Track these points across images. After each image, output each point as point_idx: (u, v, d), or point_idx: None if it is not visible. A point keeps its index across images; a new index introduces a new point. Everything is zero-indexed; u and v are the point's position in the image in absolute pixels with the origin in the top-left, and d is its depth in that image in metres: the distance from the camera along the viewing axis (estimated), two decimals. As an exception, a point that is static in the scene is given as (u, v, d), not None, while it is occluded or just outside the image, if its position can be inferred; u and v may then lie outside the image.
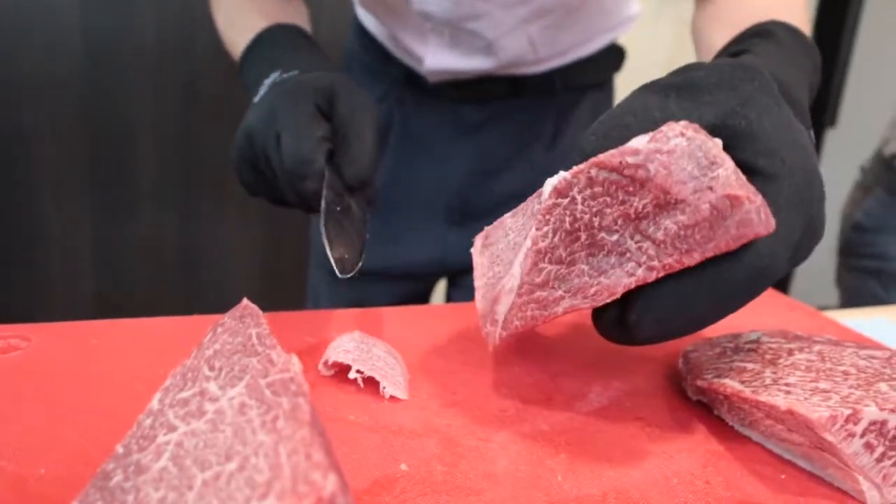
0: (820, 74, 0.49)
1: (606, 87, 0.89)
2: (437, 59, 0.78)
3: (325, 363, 0.45)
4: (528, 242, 0.38)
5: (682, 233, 0.34)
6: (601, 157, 0.35)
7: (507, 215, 0.43)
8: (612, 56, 0.87)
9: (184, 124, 1.78)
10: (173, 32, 1.71)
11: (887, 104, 2.55)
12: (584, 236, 0.37)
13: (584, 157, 0.37)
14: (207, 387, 0.31)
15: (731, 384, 0.41)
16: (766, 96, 0.38)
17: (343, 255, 0.49)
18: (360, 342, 0.46)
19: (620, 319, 0.38)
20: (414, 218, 0.85)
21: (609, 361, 0.50)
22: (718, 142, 0.35)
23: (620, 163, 0.35)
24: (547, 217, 0.37)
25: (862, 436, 0.36)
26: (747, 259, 0.35)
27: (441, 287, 0.98)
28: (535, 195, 0.40)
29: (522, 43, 0.76)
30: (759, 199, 0.33)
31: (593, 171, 0.35)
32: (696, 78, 0.39)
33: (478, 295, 0.43)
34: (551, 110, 0.83)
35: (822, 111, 2.50)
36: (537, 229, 0.38)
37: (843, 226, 1.38)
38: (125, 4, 1.66)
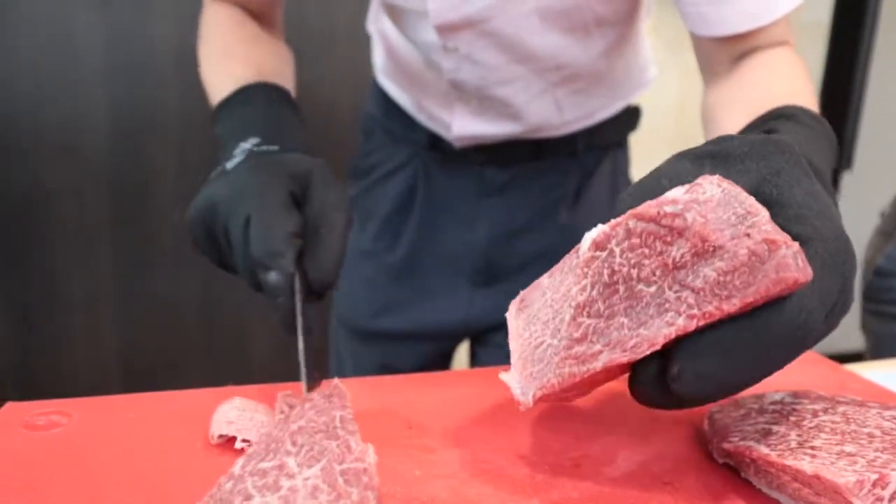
0: (837, 155, 0.50)
1: (624, 144, 0.91)
2: (464, 126, 0.80)
3: (212, 436, 0.46)
4: (568, 297, 0.39)
5: (721, 279, 0.35)
6: (639, 208, 0.36)
7: (544, 276, 0.43)
8: (631, 116, 0.89)
9: (203, 183, 1.81)
10: (194, 96, 1.75)
11: (902, 146, 2.55)
12: (622, 289, 0.37)
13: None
14: (287, 461, 0.32)
15: (756, 448, 0.42)
16: (797, 168, 0.39)
17: (315, 382, 0.49)
18: (241, 410, 0.47)
19: (659, 377, 0.38)
20: (439, 279, 0.87)
21: (636, 424, 0.51)
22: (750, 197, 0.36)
23: (658, 213, 0.36)
24: (585, 270, 0.38)
25: (890, 500, 0.36)
26: (787, 310, 0.35)
27: (464, 345, 0.99)
28: (572, 251, 0.41)
29: (549, 107, 0.79)
30: (795, 245, 0.34)
31: (631, 223, 0.36)
32: (730, 147, 0.40)
33: (513, 357, 0.43)
34: (574, 170, 0.85)
35: (838, 155, 2.51)
36: (576, 283, 0.38)
37: (865, 271, 1.38)
38: (148, 71, 1.71)
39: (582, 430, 0.50)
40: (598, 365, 0.38)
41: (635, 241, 0.36)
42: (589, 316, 0.38)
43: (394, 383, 0.57)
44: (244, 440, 0.45)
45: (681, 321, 0.36)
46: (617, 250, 0.37)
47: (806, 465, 0.39)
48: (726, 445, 0.44)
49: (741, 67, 0.64)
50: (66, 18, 1.64)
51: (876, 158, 2.59)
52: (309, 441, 0.33)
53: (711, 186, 0.36)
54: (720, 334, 0.36)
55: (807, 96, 0.58)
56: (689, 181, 0.38)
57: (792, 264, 0.34)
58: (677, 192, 0.36)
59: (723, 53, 0.66)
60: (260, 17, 0.78)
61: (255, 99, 0.63)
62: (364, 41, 0.96)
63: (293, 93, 0.69)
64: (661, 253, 0.36)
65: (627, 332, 0.37)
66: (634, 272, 0.37)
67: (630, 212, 0.37)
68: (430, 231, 0.86)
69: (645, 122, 0.93)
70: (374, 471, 0.30)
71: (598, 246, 0.37)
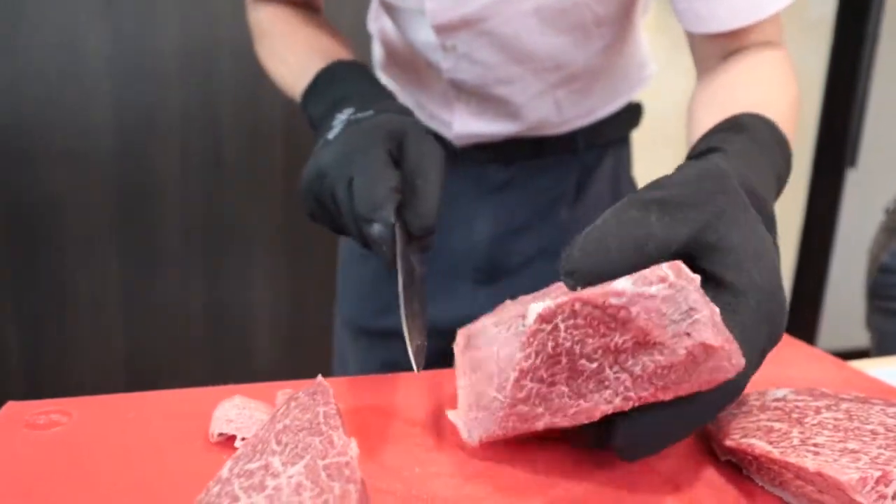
0: (790, 166, 0.53)
1: (625, 141, 0.90)
2: (464, 125, 0.80)
3: (212, 435, 0.46)
4: (512, 360, 0.40)
5: (658, 371, 0.37)
6: (586, 293, 0.37)
7: (489, 319, 0.47)
8: (632, 113, 0.89)
9: (208, 187, 1.82)
10: (198, 100, 1.76)
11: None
12: (564, 360, 0.39)
13: (567, 274, 0.39)
14: (272, 461, 0.32)
15: (759, 445, 0.42)
16: (736, 208, 0.41)
17: (420, 343, 0.50)
18: (241, 408, 0.47)
19: (597, 440, 0.41)
20: (441, 278, 0.87)
21: (637, 422, 0.51)
22: (696, 278, 0.37)
23: (604, 302, 0.37)
24: (531, 340, 0.39)
25: (893, 497, 0.36)
26: (723, 390, 0.39)
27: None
28: (518, 315, 0.43)
29: (549, 106, 0.79)
30: (732, 345, 0.36)
31: (577, 305, 0.37)
32: (674, 195, 0.41)
33: (460, 396, 0.46)
34: (574, 168, 0.85)
35: (842, 152, 2.50)
36: (520, 350, 0.40)
37: (870, 268, 1.37)
38: (153, 75, 1.72)
39: (583, 428, 0.49)
40: (539, 425, 0.41)
41: (580, 321, 0.38)
42: (532, 381, 0.40)
43: (396, 381, 0.57)
44: (244, 438, 0.45)
45: (618, 401, 0.38)
46: (562, 326, 0.38)
47: (809, 462, 0.38)
48: (729, 443, 0.44)
49: (727, 66, 0.66)
50: (71, 24, 1.65)
51: (880, 155, 2.58)
52: (293, 439, 0.33)
53: (657, 280, 0.36)
54: (659, 417, 0.39)
55: (782, 100, 0.60)
56: (637, 234, 0.39)
57: (727, 366, 0.36)
58: (626, 284, 0.36)
59: (715, 49, 0.67)
60: (303, 5, 0.82)
61: (340, 76, 0.68)
62: (364, 40, 0.96)
63: None
64: (603, 335, 0.37)
65: (568, 400, 0.40)
66: (577, 348, 0.38)
67: (576, 295, 0.37)
68: None
69: (647, 119, 0.93)
70: (356, 464, 0.30)
71: (543, 319, 0.39)
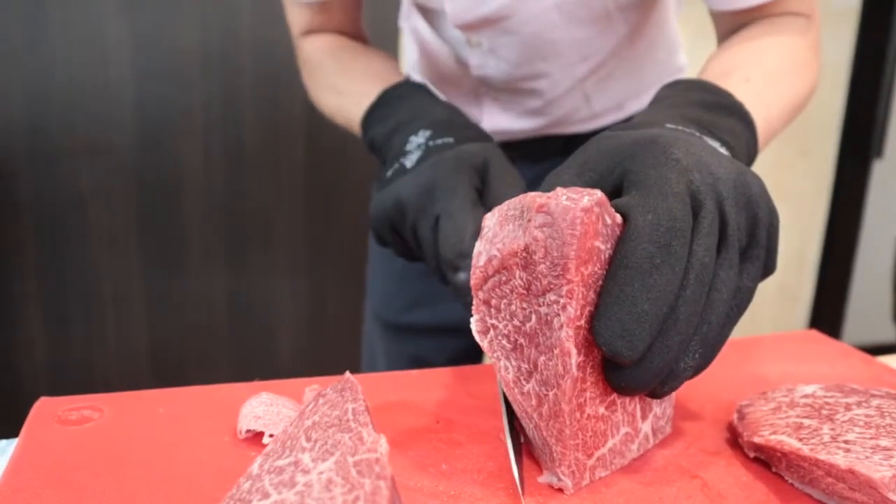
0: (720, 92, 0.53)
1: None
2: (493, 121, 0.80)
3: (240, 431, 0.46)
4: (508, 386, 0.42)
5: (549, 262, 0.38)
6: (472, 282, 0.41)
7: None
8: None
9: (230, 183, 1.83)
10: (219, 97, 1.77)
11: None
12: (521, 340, 0.41)
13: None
14: (302, 457, 0.33)
15: (788, 442, 0.41)
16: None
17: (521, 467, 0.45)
18: (269, 405, 0.47)
19: (612, 368, 0.39)
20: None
21: (663, 418, 0.50)
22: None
23: (480, 271, 0.40)
24: (495, 354, 0.41)
25: (926, 495, 0.36)
26: (628, 234, 0.38)
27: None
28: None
29: (578, 100, 0.78)
30: (558, 191, 0.38)
31: (480, 294, 0.41)
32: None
33: (542, 465, 0.44)
34: None
35: (869, 142, 2.47)
36: (498, 371, 0.42)
37: (897, 261, 1.35)
38: (175, 75, 1.73)
39: (610, 424, 0.49)
40: (565, 401, 0.40)
41: (493, 302, 0.41)
42: (526, 381, 0.41)
43: (422, 377, 0.57)
44: (271, 435, 0.45)
45: (563, 316, 0.38)
46: (495, 321, 0.41)
47: (840, 459, 0.38)
48: (757, 439, 0.43)
49: (735, 36, 0.65)
50: (94, 23, 1.66)
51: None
52: (323, 436, 0.33)
53: (489, 219, 0.41)
54: (604, 290, 0.38)
55: (763, 64, 0.60)
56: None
57: (568, 206, 0.37)
58: (477, 247, 0.41)
59: (736, 24, 0.67)
60: (349, 34, 0.81)
61: (407, 96, 0.65)
62: (390, 39, 0.96)
63: None
64: (512, 290, 0.40)
65: (550, 362, 0.40)
66: (516, 321, 0.40)
67: (473, 290, 0.41)
68: None
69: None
70: (386, 460, 0.30)
71: (482, 331, 0.42)
